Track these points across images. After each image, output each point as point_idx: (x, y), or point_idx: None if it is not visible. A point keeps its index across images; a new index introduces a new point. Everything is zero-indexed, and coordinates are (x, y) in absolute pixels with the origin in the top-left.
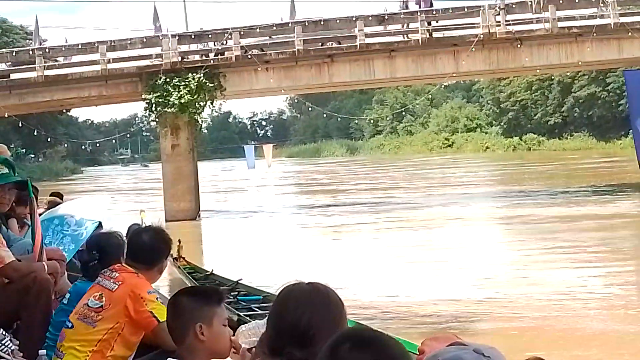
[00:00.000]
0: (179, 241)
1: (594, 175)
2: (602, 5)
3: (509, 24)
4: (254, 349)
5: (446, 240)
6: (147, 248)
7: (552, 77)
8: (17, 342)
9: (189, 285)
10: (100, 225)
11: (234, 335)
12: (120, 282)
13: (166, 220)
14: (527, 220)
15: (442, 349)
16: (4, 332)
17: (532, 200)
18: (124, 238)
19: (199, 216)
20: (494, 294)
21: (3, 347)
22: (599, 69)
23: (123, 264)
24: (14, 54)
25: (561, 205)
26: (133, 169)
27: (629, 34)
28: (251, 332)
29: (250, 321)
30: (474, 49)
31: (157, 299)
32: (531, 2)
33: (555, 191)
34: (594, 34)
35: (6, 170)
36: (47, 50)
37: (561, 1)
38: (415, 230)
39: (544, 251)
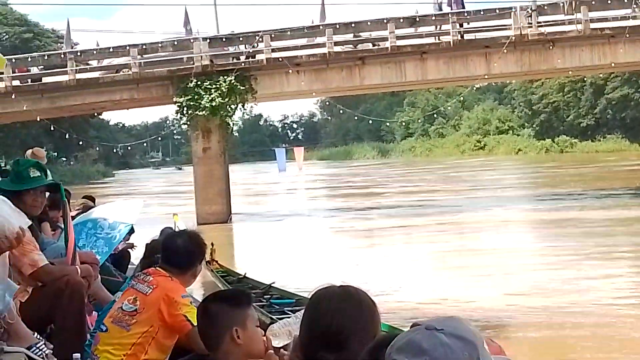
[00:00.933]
0: (212, 244)
1: (636, 178)
2: (635, 6)
3: (541, 26)
4: (285, 347)
5: (488, 244)
6: (182, 252)
7: (585, 79)
8: (51, 346)
9: (222, 288)
10: (132, 229)
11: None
12: (154, 286)
13: (198, 224)
14: (577, 223)
15: (398, 335)
16: (38, 336)
17: (577, 202)
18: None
19: (231, 219)
20: (543, 301)
21: (37, 350)
22: (632, 70)
23: (157, 268)
24: (45, 57)
25: (610, 208)
26: (164, 172)
27: None
28: (282, 330)
29: None
30: (505, 51)
31: (190, 302)
32: (563, 3)
33: (601, 193)
34: (627, 35)
35: (38, 174)
36: (78, 53)
37: (593, 2)
38: (455, 234)
39: (598, 255)
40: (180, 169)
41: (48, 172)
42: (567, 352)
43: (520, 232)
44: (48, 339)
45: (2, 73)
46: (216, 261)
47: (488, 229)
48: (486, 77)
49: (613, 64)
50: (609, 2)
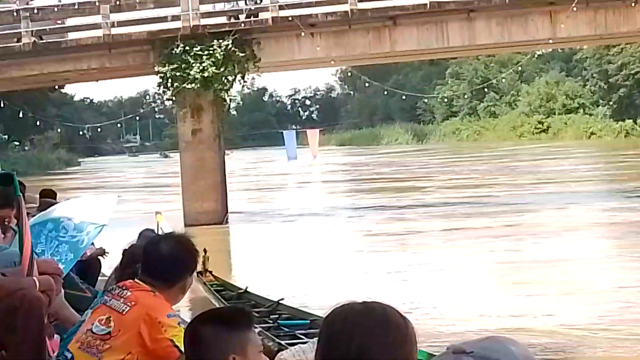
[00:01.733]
0: (205, 251)
1: None
2: None
3: None
4: None
5: (560, 253)
6: (168, 261)
7: None
8: None
9: (218, 306)
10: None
11: None
12: (132, 303)
13: (185, 225)
14: None
15: None
16: None
17: None
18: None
19: (227, 220)
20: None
21: None
22: None
23: (136, 280)
24: None
25: None
26: (144, 160)
27: None
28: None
29: None
30: (575, 9)
31: (178, 324)
32: None
33: None
34: None
35: None
36: (35, 11)
37: None
38: (518, 240)
39: None
40: (166, 156)
41: None
42: None
43: (603, 238)
44: None
45: None
46: (210, 272)
47: (561, 233)
48: (550, 41)
49: None
50: None
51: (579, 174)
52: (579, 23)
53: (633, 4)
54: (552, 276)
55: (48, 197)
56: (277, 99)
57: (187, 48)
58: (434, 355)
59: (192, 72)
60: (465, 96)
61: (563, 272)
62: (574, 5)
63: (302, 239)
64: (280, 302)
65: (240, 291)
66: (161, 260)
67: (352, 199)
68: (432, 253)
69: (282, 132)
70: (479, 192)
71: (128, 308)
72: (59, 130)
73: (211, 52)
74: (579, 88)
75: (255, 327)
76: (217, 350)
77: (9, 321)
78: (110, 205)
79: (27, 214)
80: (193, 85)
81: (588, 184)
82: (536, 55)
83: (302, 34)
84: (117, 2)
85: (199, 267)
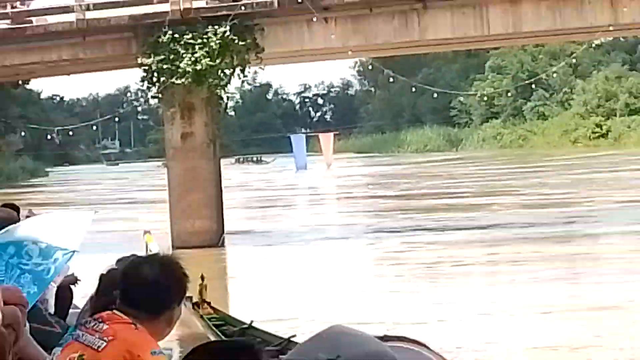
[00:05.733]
0: (202, 278)
1: None
2: None
3: None
4: None
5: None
6: (151, 288)
7: None
8: None
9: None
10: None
11: None
12: (110, 338)
13: (174, 247)
14: None
15: None
16: None
17: None
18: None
19: (223, 241)
20: None
21: None
22: None
23: (115, 311)
24: None
25: None
26: (125, 169)
27: None
28: None
29: None
30: None
31: None
32: None
33: None
34: None
35: None
36: None
37: None
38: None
39: None
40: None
41: None
42: None
43: None
44: None
45: None
46: (208, 303)
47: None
48: (611, 28)
49: None
50: None
51: None
52: None
53: None
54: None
55: (10, 212)
56: (284, 97)
57: (176, 36)
58: None
59: (182, 65)
60: (509, 94)
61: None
62: None
63: (312, 265)
64: (292, 339)
65: (244, 326)
66: (143, 287)
67: (373, 219)
68: (469, 287)
69: (289, 137)
70: (534, 210)
71: (105, 344)
72: (22, 133)
73: (205, 40)
74: None
75: None
76: None
77: None
78: (84, 225)
79: None
80: (183, 80)
81: None
82: (594, 45)
83: (314, 19)
84: None
85: (195, 298)
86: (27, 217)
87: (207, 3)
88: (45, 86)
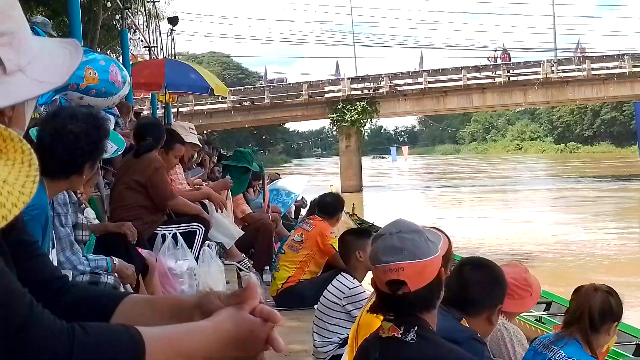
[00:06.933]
0: (353, 204)
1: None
2: (621, 60)
3: (560, 72)
4: None
5: None
6: (330, 205)
7: (587, 106)
8: (252, 261)
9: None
10: (297, 197)
11: None
12: (313, 226)
13: (342, 192)
14: None
15: (374, 245)
16: (244, 255)
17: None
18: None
19: (362, 189)
20: None
21: (244, 264)
22: (618, 101)
23: (316, 215)
24: (251, 89)
25: None
26: (323, 160)
27: (639, 78)
28: None
29: None
30: (536, 88)
31: (335, 237)
32: (574, 58)
33: None
34: (615, 79)
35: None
36: (272, 87)
37: (594, 57)
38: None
39: None
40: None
41: (253, 160)
42: None
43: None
44: (250, 257)
45: (226, 98)
46: (355, 214)
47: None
48: (523, 104)
49: (606, 97)
50: (604, 57)
51: (537, 172)
52: (538, 95)
53: (565, 85)
54: None
55: (276, 175)
56: (387, 131)
57: (344, 106)
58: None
59: (346, 117)
60: (480, 131)
61: None
62: (535, 86)
63: (402, 199)
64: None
65: (369, 224)
66: (327, 205)
67: (429, 182)
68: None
69: (389, 148)
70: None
71: (311, 229)
72: (282, 145)
73: (356, 108)
74: (537, 127)
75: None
76: (351, 247)
77: (256, 234)
78: (303, 183)
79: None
80: (347, 124)
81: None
82: (516, 111)
83: (400, 99)
84: (311, 83)
85: (350, 211)
86: (275, 179)
87: (359, 91)
88: (291, 125)
